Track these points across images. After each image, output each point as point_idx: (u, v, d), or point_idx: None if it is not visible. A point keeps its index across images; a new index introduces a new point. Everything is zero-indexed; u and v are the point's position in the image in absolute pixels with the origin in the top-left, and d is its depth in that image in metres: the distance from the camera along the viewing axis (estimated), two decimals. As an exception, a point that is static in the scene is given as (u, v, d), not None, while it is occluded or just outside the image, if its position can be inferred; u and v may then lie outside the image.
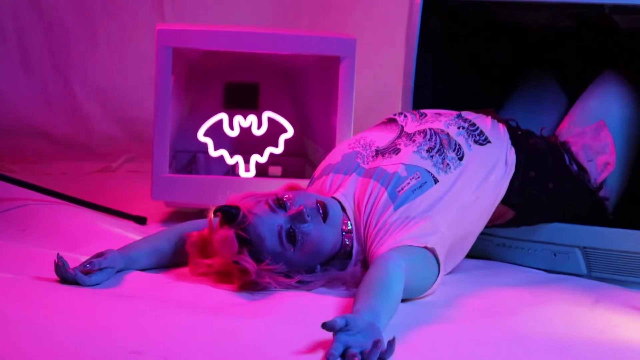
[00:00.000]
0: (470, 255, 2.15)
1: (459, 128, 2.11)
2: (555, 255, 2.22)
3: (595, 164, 2.23)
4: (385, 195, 1.97)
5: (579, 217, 2.20)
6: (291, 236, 1.89)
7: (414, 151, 2.04)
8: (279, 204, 1.91)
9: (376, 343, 1.50)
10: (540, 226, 2.22)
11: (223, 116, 2.64)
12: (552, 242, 2.21)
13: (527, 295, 1.99)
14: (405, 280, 1.79)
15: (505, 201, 2.13)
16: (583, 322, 1.82)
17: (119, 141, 3.64)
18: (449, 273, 2.09)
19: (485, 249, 2.27)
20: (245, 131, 2.67)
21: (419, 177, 1.99)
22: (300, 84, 2.88)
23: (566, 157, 2.23)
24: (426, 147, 2.04)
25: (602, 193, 2.23)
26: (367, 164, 2.07)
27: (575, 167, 2.23)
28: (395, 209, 1.95)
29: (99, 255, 1.92)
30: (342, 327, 1.53)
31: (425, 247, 1.90)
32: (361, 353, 1.49)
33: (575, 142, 2.25)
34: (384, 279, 1.75)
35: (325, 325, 1.52)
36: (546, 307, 1.90)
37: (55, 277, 1.87)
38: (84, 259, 1.93)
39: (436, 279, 1.92)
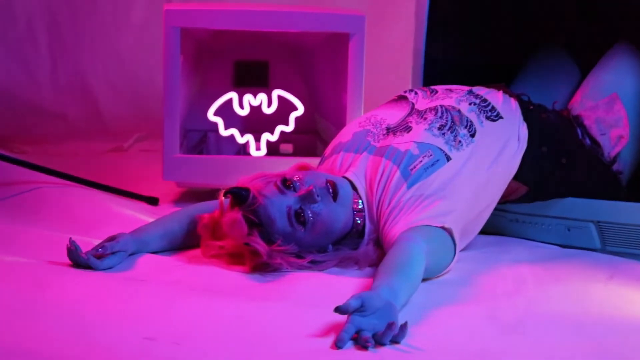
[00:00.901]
0: (484, 231, 2.14)
1: (470, 104, 2.09)
2: (569, 230, 2.20)
3: (608, 137, 2.21)
4: (398, 173, 1.96)
5: (593, 191, 2.19)
6: (300, 217, 1.88)
7: (426, 129, 2.02)
8: (288, 184, 1.90)
9: (390, 325, 1.49)
10: (554, 201, 2.20)
11: (233, 95, 2.63)
12: (566, 217, 2.20)
13: (540, 271, 1.98)
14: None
15: (518, 177, 2.12)
16: (598, 299, 1.81)
17: (130, 120, 3.63)
18: (463, 250, 2.08)
19: (498, 225, 2.26)
20: (256, 110, 2.66)
21: (431, 155, 1.97)
22: (310, 62, 2.86)
23: (579, 131, 2.21)
24: (438, 125, 2.03)
25: (615, 167, 2.21)
26: (378, 142, 2.05)
27: (588, 141, 2.21)
28: (409, 187, 1.94)
29: (111, 238, 1.92)
30: (357, 308, 1.52)
31: (443, 227, 1.89)
32: (374, 336, 1.49)
33: (588, 116, 2.23)
34: (405, 260, 1.74)
35: (338, 309, 1.51)
36: (560, 283, 1.89)
37: (68, 261, 1.87)
38: (96, 242, 1.92)
39: (452, 259, 1.91)
